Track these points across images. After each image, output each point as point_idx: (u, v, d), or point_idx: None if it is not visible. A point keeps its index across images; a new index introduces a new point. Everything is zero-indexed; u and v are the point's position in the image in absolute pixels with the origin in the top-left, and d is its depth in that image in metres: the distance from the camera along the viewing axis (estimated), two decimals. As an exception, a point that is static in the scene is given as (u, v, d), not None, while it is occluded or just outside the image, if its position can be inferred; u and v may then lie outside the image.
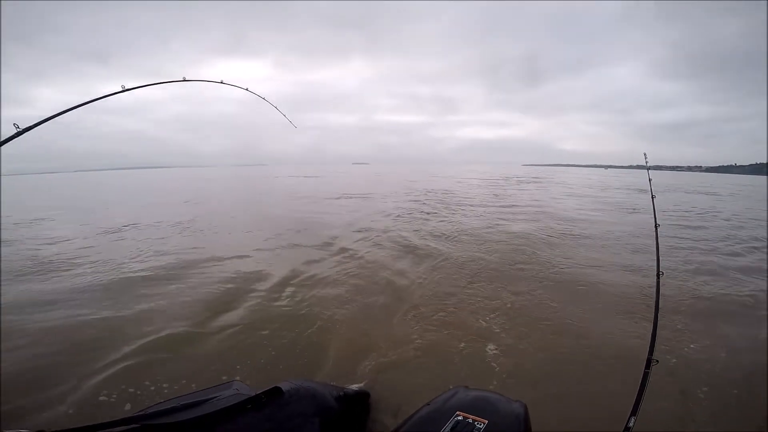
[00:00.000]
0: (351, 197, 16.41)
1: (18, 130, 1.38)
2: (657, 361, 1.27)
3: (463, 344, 3.11)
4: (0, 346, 3.09)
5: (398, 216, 10.41)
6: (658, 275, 1.66)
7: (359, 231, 8.05)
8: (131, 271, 5.29)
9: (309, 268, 5.33)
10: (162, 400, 1.19)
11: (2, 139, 1.36)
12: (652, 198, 2.13)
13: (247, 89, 2.65)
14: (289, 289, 4.50)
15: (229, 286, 4.61)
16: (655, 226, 1.96)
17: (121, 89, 1.77)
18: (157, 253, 6.32)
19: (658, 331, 1.39)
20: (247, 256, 6.12)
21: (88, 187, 32.25)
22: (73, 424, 0.97)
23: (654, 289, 1.57)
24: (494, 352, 2.99)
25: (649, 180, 2.38)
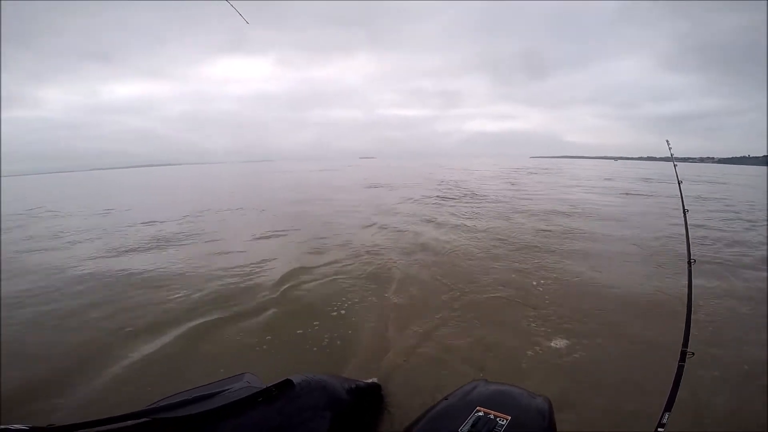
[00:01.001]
0: (393, 188, 17.94)
1: None
2: (693, 353, 1.18)
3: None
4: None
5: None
6: (689, 263, 1.57)
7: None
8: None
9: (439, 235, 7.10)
10: (173, 393, 1.17)
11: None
12: (679, 184, 2.03)
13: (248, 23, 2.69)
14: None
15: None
16: (683, 212, 1.85)
17: None
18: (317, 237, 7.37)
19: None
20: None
21: (130, 183, 35.16)
22: (85, 417, 0.95)
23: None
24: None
25: (675, 166, 2.32)
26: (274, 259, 5.61)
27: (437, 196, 13.00)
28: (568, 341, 2.93)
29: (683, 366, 1.16)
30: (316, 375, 1.34)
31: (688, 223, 1.77)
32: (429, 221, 8.66)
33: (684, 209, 1.88)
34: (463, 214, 9.56)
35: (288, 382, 1.19)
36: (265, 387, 1.17)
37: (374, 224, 8.30)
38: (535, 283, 4.31)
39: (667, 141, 2.81)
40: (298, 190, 18.00)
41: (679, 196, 1.97)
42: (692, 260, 1.57)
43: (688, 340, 1.24)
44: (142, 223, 9.68)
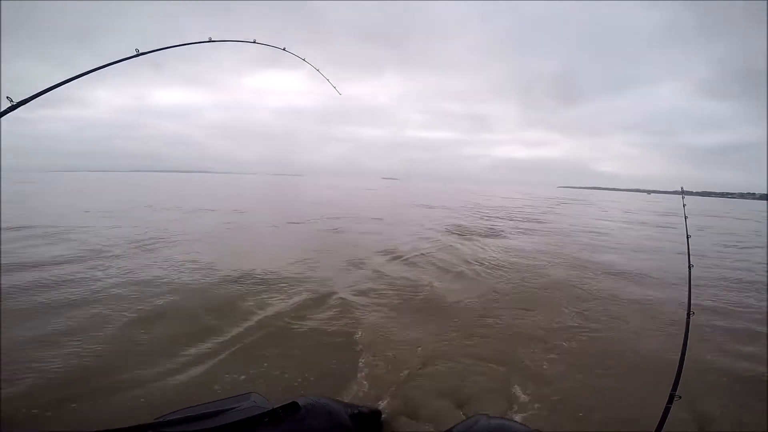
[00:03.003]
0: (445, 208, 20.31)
1: (12, 103, 1.36)
2: (680, 397, 1.26)
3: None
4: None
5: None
6: (688, 314, 1.68)
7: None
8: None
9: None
10: (178, 408, 1.18)
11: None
12: (687, 238, 2.14)
13: (284, 49, 2.51)
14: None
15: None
16: (689, 267, 1.97)
17: (135, 53, 1.71)
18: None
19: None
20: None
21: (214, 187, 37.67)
22: (85, 427, 1.03)
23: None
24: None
25: (685, 218, 2.40)
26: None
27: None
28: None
29: (669, 408, 1.23)
30: (321, 399, 1.35)
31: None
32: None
33: (689, 264, 2.00)
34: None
35: (294, 405, 1.19)
36: (271, 408, 1.17)
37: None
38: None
39: (682, 188, 2.89)
40: (383, 208, 20.45)
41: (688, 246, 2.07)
42: (692, 312, 1.70)
43: (678, 384, 1.31)
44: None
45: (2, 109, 1.34)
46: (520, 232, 12.28)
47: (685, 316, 1.67)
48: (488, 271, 6.65)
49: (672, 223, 17.21)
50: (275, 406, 1.17)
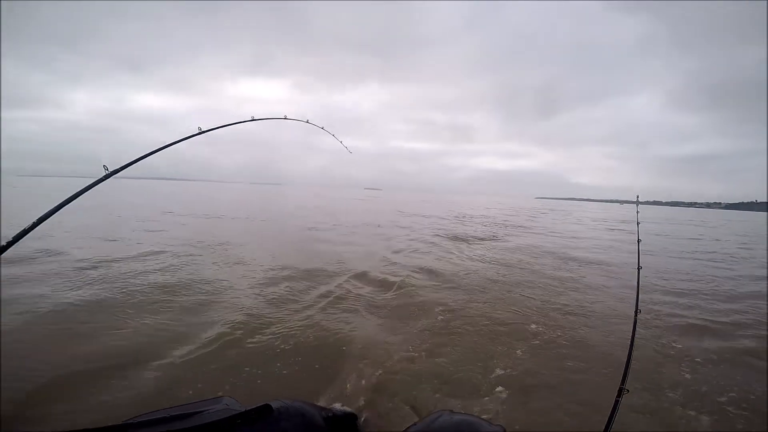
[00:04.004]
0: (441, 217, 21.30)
1: (107, 172, 1.45)
2: (628, 390, 1.31)
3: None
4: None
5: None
6: (636, 313, 1.80)
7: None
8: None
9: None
10: (149, 411, 1.15)
11: (89, 184, 1.41)
12: (638, 242, 2.29)
13: (307, 121, 2.75)
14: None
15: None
16: (638, 269, 2.10)
17: (198, 131, 1.84)
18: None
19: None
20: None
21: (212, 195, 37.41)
22: (54, 426, 1.00)
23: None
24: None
25: (638, 224, 2.57)
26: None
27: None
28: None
29: (619, 401, 1.27)
30: (294, 401, 1.33)
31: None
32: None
33: (639, 266, 2.11)
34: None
35: (267, 407, 1.18)
36: (244, 410, 1.14)
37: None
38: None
39: (637, 197, 3.11)
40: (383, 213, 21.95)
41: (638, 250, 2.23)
42: (639, 310, 1.82)
43: (626, 378, 1.37)
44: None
45: (99, 178, 1.40)
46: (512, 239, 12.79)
47: (633, 315, 1.79)
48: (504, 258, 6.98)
49: (631, 230, 19.09)
50: (247, 409, 1.15)
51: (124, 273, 5.85)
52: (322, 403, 2.66)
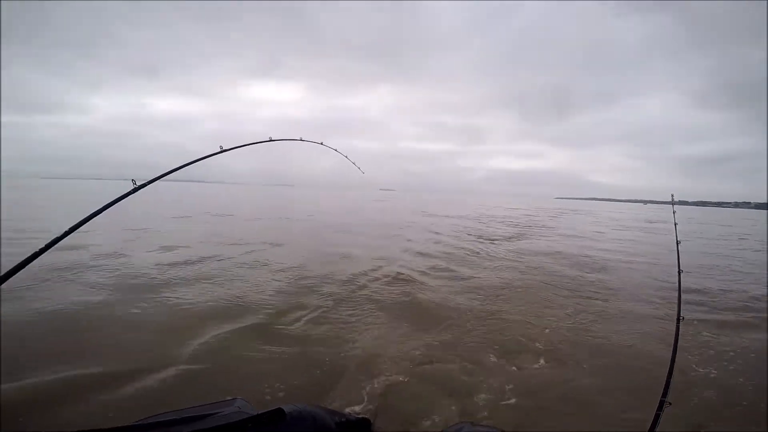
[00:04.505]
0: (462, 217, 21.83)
1: (135, 186, 1.48)
2: (670, 403, 1.21)
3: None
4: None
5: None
6: (678, 320, 1.65)
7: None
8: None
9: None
10: (161, 412, 1.15)
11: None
12: (677, 244, 2.13)
13: (321, 143, 2.78)
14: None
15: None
16: (678, 272, 1.95)
17: (220, 149, 1.89)
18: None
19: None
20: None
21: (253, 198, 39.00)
22: (63, 427, 0.99)
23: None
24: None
25: (675, 225, 2.39)
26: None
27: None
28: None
29: (660, 414, 1.17)
30: (307, 406, 1.31)
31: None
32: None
33: (679, 269, 1.96)
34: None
35: (279, 411, 1.16)
36: (255, 414, 1.13)
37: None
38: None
39: (672, 196, 2.91)
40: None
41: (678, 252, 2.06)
42: (681, 317, 1.66)
43: (668, 390, 1.26)
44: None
45: (127, 191, 1.44)
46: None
47: (675, 322, 1.65)
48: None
49: (659, 229, 19.12)
50: (260, 412, 1.13)
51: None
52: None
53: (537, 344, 3.88)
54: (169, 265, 6.64)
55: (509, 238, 12.80)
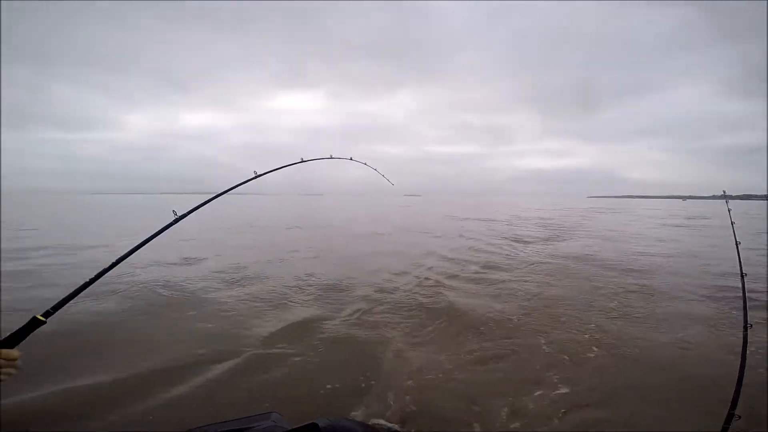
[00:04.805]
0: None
1: (176, 216, 1.52)
2: (740, 416, 1.15)
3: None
4: None
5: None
6: (745, 327, 1.53)
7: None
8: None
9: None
10: (201, 425, 1.20)
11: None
12: (737, 245, 1.96)
13: (351, 158, 2.84)
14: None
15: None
16: (741, 276, 1.81)
17: (254, 175, 1.96)
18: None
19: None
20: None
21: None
22: None
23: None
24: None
25: (732, 224, 2.20)
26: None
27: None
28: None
29: (727, 428, 1.12)
30: (341, 419, 1.33)
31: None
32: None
33: (742, 272, 1.81)
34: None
35: (313, 426, 1.17)
36: (290, 428, 1.15)
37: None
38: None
39: (724, 192, 2.69)
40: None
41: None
42: (749, 325, 1.54)
43: (736, 404, 1.19)
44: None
45: (169, 222, 1.47)
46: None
47: (742, 330, 1.53)
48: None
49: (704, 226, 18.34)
50: (294, 427, 1.17)
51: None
52: None
53: (589, 353, 3.72)
54: (217, 272, 6.91)
55: (546, 239, 12.57)
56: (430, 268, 7.65)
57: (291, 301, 5.33)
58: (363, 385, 3.08)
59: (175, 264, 7.75)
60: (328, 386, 3.04)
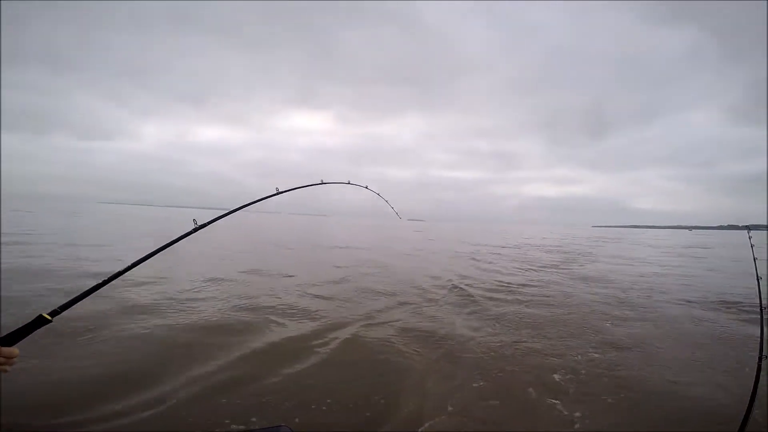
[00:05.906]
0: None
1: (195, 226, 1.54)
2: None
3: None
4: None
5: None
6: (760, 358, 1.55)
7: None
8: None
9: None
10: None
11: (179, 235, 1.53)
12: (758, 280, 2.03)
13: (366, 187, 2.91)
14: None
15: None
16: (761, 308, 1.88)
17: (276, 191, 1.94)
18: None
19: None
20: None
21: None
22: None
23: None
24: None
25: (755, 260, 2.25)
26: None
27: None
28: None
29: None
30: None
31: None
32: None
33: (761, 305, 1.85)
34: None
35: None
36: None
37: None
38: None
39: (748, 229, 2.71)
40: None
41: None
42: (765, 356, 1.55)
43: (744, 428, 1.21)
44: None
45: (189, 231, 1.51)
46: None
47: (757, 360, 1.56)
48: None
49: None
50: None
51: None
52: None
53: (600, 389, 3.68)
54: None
55: (557, 266, 12.82)
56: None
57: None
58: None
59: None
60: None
